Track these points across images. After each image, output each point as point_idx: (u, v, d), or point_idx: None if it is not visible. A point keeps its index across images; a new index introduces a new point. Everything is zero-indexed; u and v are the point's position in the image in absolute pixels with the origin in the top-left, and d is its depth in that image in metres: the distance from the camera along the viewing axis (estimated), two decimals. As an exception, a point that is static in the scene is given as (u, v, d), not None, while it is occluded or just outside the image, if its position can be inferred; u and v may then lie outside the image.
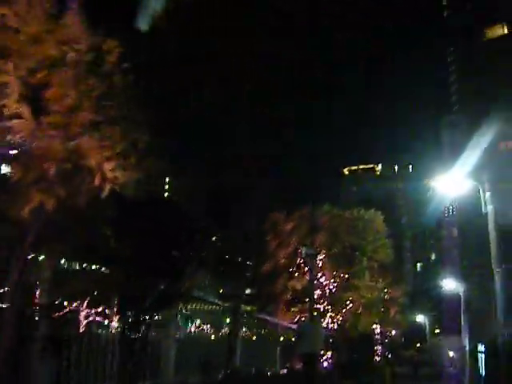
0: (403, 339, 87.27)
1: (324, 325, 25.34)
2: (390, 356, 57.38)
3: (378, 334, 41.40)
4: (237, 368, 16.27)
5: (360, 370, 30.82)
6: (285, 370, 21.39)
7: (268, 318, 20.91)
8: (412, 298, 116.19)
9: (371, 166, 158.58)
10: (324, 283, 25.31)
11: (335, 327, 26.25)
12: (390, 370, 42.86)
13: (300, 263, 25.27)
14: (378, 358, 44.10)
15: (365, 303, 26.72)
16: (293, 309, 24.85)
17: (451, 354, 73.76)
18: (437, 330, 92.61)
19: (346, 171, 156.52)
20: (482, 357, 42.51)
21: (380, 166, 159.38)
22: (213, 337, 20.25)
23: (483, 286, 46.48)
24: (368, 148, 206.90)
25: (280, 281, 25.06)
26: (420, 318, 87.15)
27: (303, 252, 22.45)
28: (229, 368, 16.26)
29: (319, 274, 25.19)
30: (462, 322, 47.88)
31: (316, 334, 21.84)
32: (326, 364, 25.84)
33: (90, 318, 13.37)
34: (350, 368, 29.20)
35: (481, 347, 43.20)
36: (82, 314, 13.31)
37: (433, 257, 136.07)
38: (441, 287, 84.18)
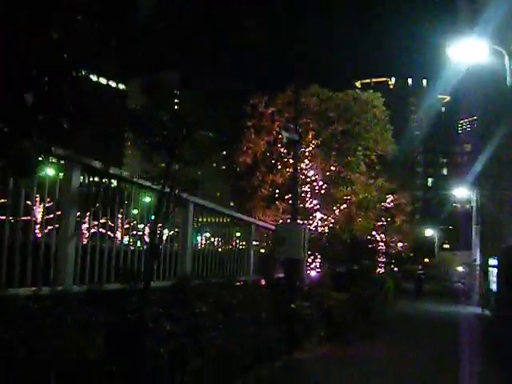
0: (411, 253, 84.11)
1: (312, 227, 20.76)
2: (395, 269, 53.47)
3: (380, 242, 36.90)
4: (185, 276, 11.69)
5: (356, 281, 26.41)
6: (263, 281, 16.90)
7: (243, 217, 16.26)
8: (422, 211, 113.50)
9: (384, 79, 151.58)
10: (311, 177, 20.57)
11: (326, 230, 21.65)
12: (393, 283, 38.78)
13: (281, 153, 20.52)
14: (381, 270, 39.87)
15: (359, 202, 21.84)
16: (273, 207, 20.33)
17: (461, 268, 70.78)
18: (446, 246, 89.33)
19: (357, 84, 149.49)
20: (493, 271, 38.75)
21: (393, 80, 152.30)
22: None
23: (496, 196, 42.21)
24: (381, 61, 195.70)
25: (257, 173, 20.41)
26: (429, 232, 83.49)
27: (283, 137, 17.66)
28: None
29: (305, 166, 20.48)
30: (473, 235, 43.71)
31: (299, 236, 17.52)
32: (313, 273, 21.39)
33: None
34: (344, 278, 24.79)
35: (492, 261, 39.30)
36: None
37: (445, 172, 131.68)
38: (452, 201, 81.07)
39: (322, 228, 21.25)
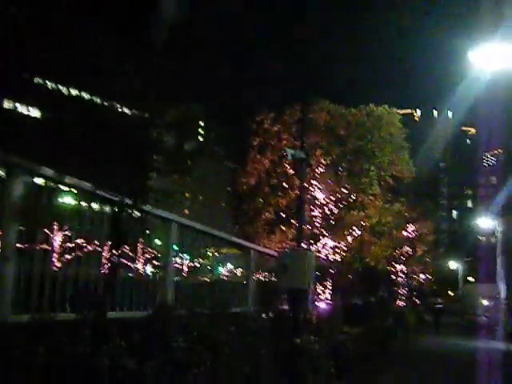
0: (434, 286, 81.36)
1: (323, 255, 18.84)
2: (417, 302, 51.04)
3: (400, 273, 34.74)
4: (164, 305, 9.95)
5: (373, 313, 24.37)
6: (263, 314, 15.04)
7: (241, 242, 14.51)
8: (446, 243, 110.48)
9: (409, 111, 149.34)
10: (321, 200, 18.64)
11: (337, 258, 19.67)
12: (414, 317, 36.55)
13: (287, 173, 18.68)
14: (400, 303, 37.57)
15: (372, 227, 19.67)
16: (278, 233, 18.46)
17: (485, 302, 67.79)
18: (470, 278, 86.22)
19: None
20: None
21: (419, 112, 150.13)
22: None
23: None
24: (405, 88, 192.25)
25: (260, 195, 18.60)
26: (454, 265, 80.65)
27: (288, 155, 15.87)
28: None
29: (313, 188, 18.60)
30: (498, 267, 41.35)
31: (303, 264, 15.71)
32: (323, 305, 19.44)
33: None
34: (359, 311, 22.79)
35: (518, 294, 36.91)
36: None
37: (469, 204, 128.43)
38: (476, 234, 78.37)
39: (333, 256, 19.33)
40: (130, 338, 7.68)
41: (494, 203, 46.04)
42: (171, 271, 11.06)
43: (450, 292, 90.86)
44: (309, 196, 18.12)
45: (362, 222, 18.23)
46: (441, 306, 48.14)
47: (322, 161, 17.87)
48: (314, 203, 17.89)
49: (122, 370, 7.03)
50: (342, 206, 18.08)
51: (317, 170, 17.77)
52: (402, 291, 37.34)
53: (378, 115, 20.53)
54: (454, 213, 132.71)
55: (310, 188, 17.66)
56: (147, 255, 10.28)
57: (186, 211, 74.75)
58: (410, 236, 34.74)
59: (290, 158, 16.04)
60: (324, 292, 19.32)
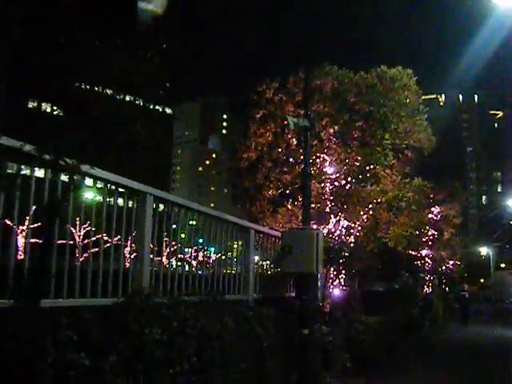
0: (465, 273, 78.81)
1: (335, 236, 16.66)
2: (446, 290, 48.58)
3: (427, 258, 32.41)
4: (137, 292, 8.05)
5: (396, 301, 22.21)
6: (266, 301, 13.11)
7: (238, 221, 12.54)
8: (476, 230, 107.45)
9: (434, 96, 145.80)
10: (329, 173, 16.38)
11: (351, 240, 17.44)
12: (443, 305, 34.19)
13: (290, 143, 16.46)
14: (427, 290, 35.21)
15: (389, 202, 17.19)
16: (284, 212, 16.31)
17: (517, 289, 65.14)
18: (503, 265, 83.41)
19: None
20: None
21: (443, 97, 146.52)
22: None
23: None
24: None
25: (262, 170, 16.44)
26: (484, 251, 77.82)
27: (291, 124, 13.79)
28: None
29: (321, 160, 16.37)
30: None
31: (310, 245, 13.75)
32: (337, 293, 17.35)
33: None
34: (379, 298, 20.68)
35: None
36: None
37: (499, 189, 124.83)
38: (507, 218, 75.56)
39: (347, 237, 17.17)
40: (86, 330, 5.90)
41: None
42: (146, 253, 9.07)
43: (481, 279, 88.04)
44: (316, 170, 16.00)
45: (376, 198, 15.95)
46: (466, 293, 40.50)
47: (330, 130, 15.67)
48: (322, 177, 15.75)
49: (69, 368, 5.34)
50: (353, 179, 15.86)
51: (324, 140, 15.59)
52: (428, 278, 34.96)
53: (390, 77, 17.97)
54: (484, 198, 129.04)
55: (317, 160, 15.54)
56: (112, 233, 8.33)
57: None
58: (436, 218, 32.39)
59: (292, 126, 13.96)
60: (338, 277, 17.19)
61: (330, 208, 15.77)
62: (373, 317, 19.40)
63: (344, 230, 17.05)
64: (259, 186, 16.02)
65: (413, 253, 30.02)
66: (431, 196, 31.94)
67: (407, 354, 21.03)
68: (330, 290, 17.14)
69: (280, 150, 15.95)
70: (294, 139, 15.53)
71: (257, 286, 14.03)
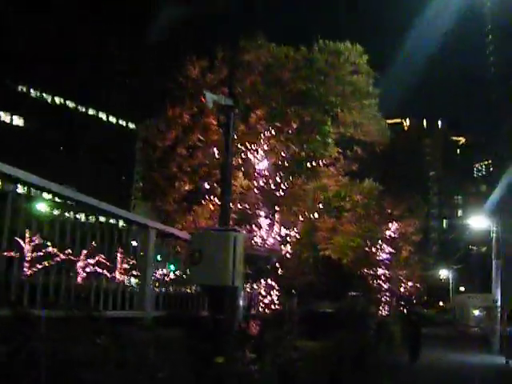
0: (425, 297, 76.73)
1: (269, 245, 13.35)
2: (409, 312, 45.68)
3: (383, 278, 29.34)
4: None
5: (344, 323, 18.98)
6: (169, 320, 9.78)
7: (138, 219, 9.21)
8: (437, 254, 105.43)
9: (398, 120, 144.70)
10: (259, 167, 13.01)
11: (289, 250, 14.08)
12: (401, 328, 31.01)
13: (208, 126, 13.09)
14: (382, 312, 32.01)
15: (327, 200, 13.63)
16: (199, 209, 12.91)
17: (477, 312, 63.07)
18: (462, 289, 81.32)
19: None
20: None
21: (408, 121, 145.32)
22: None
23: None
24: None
25: (176, 159, 13.02)
26: (444, 274, 75.80)
27: (209, 102, 10.64)
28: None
29: (250, 150, 13.05)
30: (493, 272, 36.10)
31: (226, 250, 10.55)
32: (267, 312, 14.04)
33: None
34: (321, 320, 17.46)
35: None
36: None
37: (459, 213, 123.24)
38: (468, 242, 73.64)
39: (282, 246, 13.87)
40: None
41: (488, 203, 41.09)
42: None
43: (440, 303, 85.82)
44: (242, 161, 12.76)
45: (314, 196, 12.68)
46: (416, 315, 29.50)
47: (258, 111, 12.41)
48: (250, 171, 12.51)
49: None
50: (288, 175, 12.65)
51: (253, 126, 12.38)
52: (385, 299, 31.83)
53: (334, 50, 14.30)
54: (444, 221, 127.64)
55: (246, 152, 12.34)
56: None
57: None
58: (393, 235, 29.49)
59: (210, 105, 10.79)
60: (269, 293, 13.88)
61: (258, 209, 12.49)
62: (315, 342, 16.17)
63: (279, 238, 13.76)
64: (171, 178, 12.67)
65: (367, 271, 27.02)
66: (388, 211, 29.10)
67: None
68: (260, 309, 13.85)
69: (197, 135, 12.65)
70: (214, 121, 12.30)
71: (159, 301, 10.70)
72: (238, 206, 12.05)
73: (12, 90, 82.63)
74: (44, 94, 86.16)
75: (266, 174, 13.02)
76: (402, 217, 29.76)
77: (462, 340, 40.54)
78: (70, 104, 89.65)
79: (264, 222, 13.03)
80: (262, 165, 13.05)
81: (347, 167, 14.92)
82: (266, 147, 12.62)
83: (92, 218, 8.66)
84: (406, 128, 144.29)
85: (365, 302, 24.27)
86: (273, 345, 13.57)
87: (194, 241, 10.95)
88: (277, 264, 12.53)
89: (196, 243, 10.93)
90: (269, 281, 13.42)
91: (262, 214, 12.82)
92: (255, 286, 12.94)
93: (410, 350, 25.69)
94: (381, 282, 29.27)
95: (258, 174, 12.82)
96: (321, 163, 13.22)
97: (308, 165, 12.00)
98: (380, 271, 28.73)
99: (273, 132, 12.55)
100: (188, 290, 12.09)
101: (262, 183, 12.77)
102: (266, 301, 13.84)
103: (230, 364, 10.94)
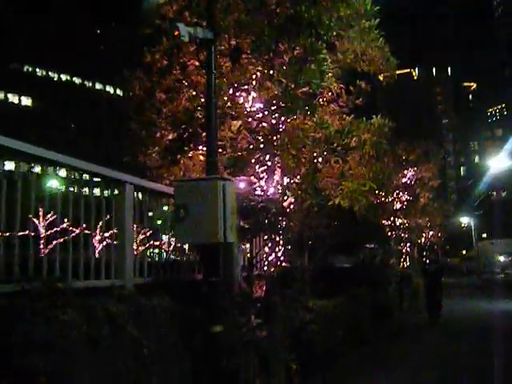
0: (447, 246, 75.28)
1: (259, 191, 11.69)
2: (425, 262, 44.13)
3: (401, 226, 27.73)
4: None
5: (360, 280, 17.53)
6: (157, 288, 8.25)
7: (112, 173, 7.60)
8: (456, 201, 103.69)
9: (407, 70, 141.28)
10: (244, 104, 11.22)
11: (292, 200, 12.46)
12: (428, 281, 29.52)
13: (187, 64, 11.34)
14: (404, 264, 30.46)
15: (327, 138, 11.77)
16: (185, 160, 11.25)
17: (502, 258, 61.73)
18: (485, 235, 79.72)
19: (380, 77, 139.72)
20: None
21: (417, 70, 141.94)
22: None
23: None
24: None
25: (153, 105, 11.35)
26: (465, 221, 74.16)
27: (185, 36, 9.00)
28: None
29: (233, 88, 11.20)
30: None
31: (214, 203, 9.07)
32: (274, 271, 12.53)
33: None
34: (337, 277, 15.97)
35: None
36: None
37: (476, 159, 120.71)
38: (488, 187, 71.83)
39: (285, 197, 12.26)
40: None
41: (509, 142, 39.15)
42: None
43: (463, 251, 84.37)
44: (229, 102, 11.10)
45: (311, 133, 11.03)
46: (437, 268, 24.25)
47: (245, 43, 10.65)
48: (237, 112, 10.87)
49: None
50: (278, 112, 10.94)
51: (241, 62, 10.69)
52: (405, 250, 30.26)
53: None
54: (462, 169, 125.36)
55: (225, 88, 10.68)
56: None
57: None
58: (409, 182, 27.81)
59: (186, 38, 9.14)
60: (274, 250, 12.35)
61: (252, 155, 10.86)
62: (331, 300, 14.71)
63: (279, 187, 12.14)
64: (149, 126, 11.05)
65: (385, 221, 25.39)
66: (403, 157, 27.38)
67: (380, 346, 16.35)
68: (265, 268, 12.35)
69: (177, 75, 11.00)
70: (195, 61, 10.63)
71: (143, 266, 9.24)
72: (229, 152, 10.39)
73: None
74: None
75: (259, 115, 11.36)
76: (417, 162, 27.98)
77: (487, 288, 39.11)
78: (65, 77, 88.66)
79: (261, 169, 11.45)
80: (253, 105, 11.40)
81: (351, 103, 13.15)
82: (254, 83, 10.94)
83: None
84: (415, 77, 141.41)
85: (383, 254, 22.77)
86: (281, 307, 12.14)
87: (179, 194, 9.42)
88: (279, 217, 10.93)
89: (179, 197, 9.42)
90: (272, 236, 11.83)
91: (257, 160, 11.20)
92: (256, 242, 11.39)
93: (429, 309, 22.13)
94: (400, 232, 27.65)
95: (249, 115, 11.16)
96: (318, 97, 11.50)
97: (304, 99, 10.35)
98: (398, 221, 27.09)
99: (260, 68, 10.86)
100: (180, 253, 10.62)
101: (254, 125, 11.14)
102: (271, 258, 12.28)
103: (231, 332, 9.59)
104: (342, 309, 14.88)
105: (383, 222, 24.99)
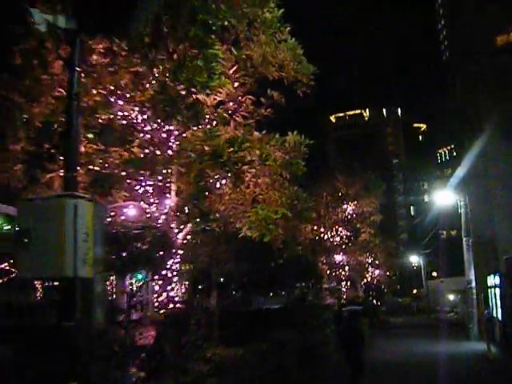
0: (398, 286, 74.30)
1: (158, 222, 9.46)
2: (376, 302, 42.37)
3: (341, 263, 25.75)
4: None
5: (286, 323, 15.33)
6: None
7: None
8: (407, 241, 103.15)
9: (358, 111, 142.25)
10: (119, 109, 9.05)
11: (187, 229, 10.09)
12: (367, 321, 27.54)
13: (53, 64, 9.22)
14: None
15: (216, 151, 9.47)
16: (49, 180, 8.96)
17: (451, 297, 60.73)
18: (434, 274, 78.88)
19: (332, 118, 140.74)
20: (495, 293, 27.91)
21: (368, 112, 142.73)
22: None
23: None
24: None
25: (8, 110, 9.12)
26: (416, 260, 73.28)
27: (38, 22, 7.08)
28: None
29: (108, 89, 9.05)
30: (464, 251, 33.03)
31: (62, 226, 6.88)
32: (165, 313, 10.26)
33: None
34: (250, 318, 13.77)
35: (492, 279, 28.64)
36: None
37: (426, 198, 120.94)
38: (437, 227, 71.04)
39: (173, 222, 10.02)
40: None
41: (453, 178, 38.07)
42: None
43: (414, 290, 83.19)
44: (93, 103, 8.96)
45: (199, 146, 8.91)
46: (355, 310, 20.69)
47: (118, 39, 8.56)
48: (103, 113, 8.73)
49: None
50: (152, 116, 8.87)
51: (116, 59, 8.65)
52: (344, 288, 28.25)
53: None
54: (412, 208, 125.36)
55: (91, 88, 8.58)
56: None
57: None
58: (350, 217, 26.06)
59: (42, 28, 7.19)
60: (165, 288, 10.13)
61: (123, 170, 8.72)
62: (245, 347, 12.50)
63: (172, 213, 9.97)
64: (3, 137, 8.78)
65: (321, 258, 23.44)
66: (342, 191, 25.68)
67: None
68: (155, 310, 10.13)
69: (37, 74, 8.87)
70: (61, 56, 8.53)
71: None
72: (96, 168, 8.24)
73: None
74: None
75: (143, 125, 9.28)
76: (357, 196, 26.26)
77: (437, 328, 37.40)
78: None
79: (142, 190, 9.33)
80: (126, 107, 9.31)
81: (259, 115, 11.18)
82: (128, 83, 8.91)
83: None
84: (366, 118, 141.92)
85: (316, 294, 20.60)
86: (172, 357, 9.94)
87: (20, 216, 7.27)
88: (163, 248, 8.79)
89: (23, 220, 7.26)
90: (163, 272, 9.62)
91: (134, 178, 9.07)
92: (137, 279, 9.17)
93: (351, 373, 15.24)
94: (339, 270, 25.68)
95: (131, 125, 9.08)
96: (207, 100, 9.42)
97: (187, 102, 8.35)
98: (337, 258, 25.13)
99: (139, 69, 8.85)
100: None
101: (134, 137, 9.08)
102: (162, 299, 10.05)
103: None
104: (258, 356, 12.64)
105: (321, 259, 23.04)
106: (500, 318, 25.58)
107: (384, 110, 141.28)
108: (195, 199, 9.37)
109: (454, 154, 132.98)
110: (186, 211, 9.71)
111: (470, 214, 33.29)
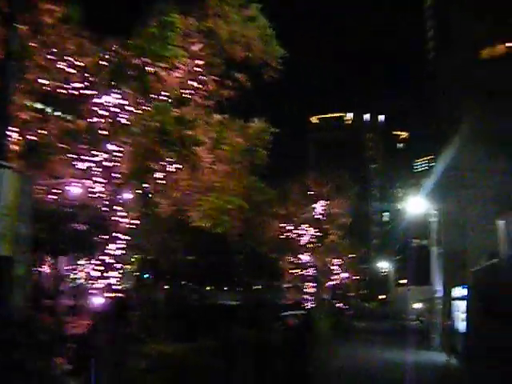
0: (366, 290, 74.19)
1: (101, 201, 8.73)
2: (340, 305, 41.84)
3: (307, 264, 25.13)
4: None
5: (237, 319, 14.62)
6: None
7: None
8: (378, 246, 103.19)
9: (340, 114, 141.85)
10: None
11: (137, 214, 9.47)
12: (331, 322, 26.86)
13: None
14: (308, 305, 27.69)
15: (166, 126, 8.83)
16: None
17: (418, 305, 60.37)
18: (404, 281, 78.74)
19: (314, 119, 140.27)
20: (458, 305, 27.41)
21: (351, 115, 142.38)
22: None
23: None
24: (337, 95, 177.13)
25: None
26: (385, 266, 73.14)
27: None
28: None
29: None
30: (434, 263, 32.59)
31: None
32: (103, 302, 9.46)
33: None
34: (201, 313, 13.04)
35: (458, 291, 28.08)
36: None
37: (400, 206, 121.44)
38: (409, 234, 70.87)
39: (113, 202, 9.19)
40: None
41: (425, 185, 37.71)
42: None
43: (381, 296, 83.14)
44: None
45: (145, 122, 8.17)
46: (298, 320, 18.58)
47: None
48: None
49: None
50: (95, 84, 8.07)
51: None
52: (310, 289, 27.64)
53: None
54: (386, 215, 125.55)
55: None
56: None
57: None
58: (318, 217, 25.44)
59: None
60: (103, 275, 9.34)
61: (61, 142, 7.94)
62: (192, 343, 11.76)
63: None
64: None
65: (290, 258, 22.81)
66: (312, 190, 25.06)
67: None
68: (92, 298, 9.33)
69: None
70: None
71: None
72: (28, 137, 7.43)
73: None
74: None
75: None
76: (328, 196, 25.64)
77: (400, 335, 36.89)
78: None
79: (84, 165, 8.53)
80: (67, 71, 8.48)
81: (221, 97, 10.40)
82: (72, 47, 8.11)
83: None
84: (348, 122, 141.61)
85: (276, 293, 19.94)
86: (109, 350, 9.16)
87: None
88: (100, 230, 8.00)
89: None
90: (101, 256, 8.83)
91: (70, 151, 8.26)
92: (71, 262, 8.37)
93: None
94: (305, 270, 25.05)
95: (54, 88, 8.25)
96: (164, 74, 8.65)
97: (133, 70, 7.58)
98: (304, 258, 24.50)
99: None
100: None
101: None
102: (100, 285, 9.24)
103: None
104: (204, 354, 11.88)
105: (287, 257, 22.38)
106: (463, 331, 25.10)
107: (368, 115, 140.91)
108: (136, 179, 8.57)
109: (431, 164, 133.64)
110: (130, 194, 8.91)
111: (442, 225, 32.83)
